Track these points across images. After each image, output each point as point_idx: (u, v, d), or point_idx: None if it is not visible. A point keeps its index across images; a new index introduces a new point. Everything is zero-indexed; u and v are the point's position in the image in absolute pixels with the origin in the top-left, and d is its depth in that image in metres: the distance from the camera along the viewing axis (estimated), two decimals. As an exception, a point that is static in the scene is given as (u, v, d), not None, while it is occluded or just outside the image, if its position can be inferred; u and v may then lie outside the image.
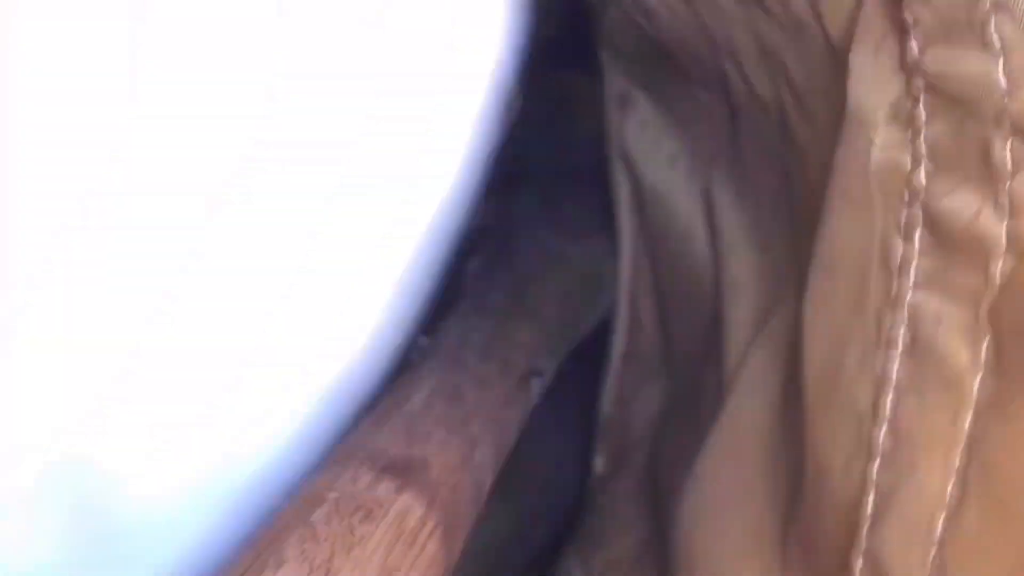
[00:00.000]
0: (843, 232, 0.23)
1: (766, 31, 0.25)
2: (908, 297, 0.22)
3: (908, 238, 0.22)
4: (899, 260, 0.22)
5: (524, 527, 0.36)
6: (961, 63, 0.19)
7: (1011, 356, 0.20)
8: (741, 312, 0.30)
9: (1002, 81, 0.19)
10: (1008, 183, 0.19)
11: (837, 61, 0.22)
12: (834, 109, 0.23)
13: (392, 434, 0.24)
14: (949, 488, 0.22)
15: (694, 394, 0.33)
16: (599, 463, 0.38)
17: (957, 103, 0.20)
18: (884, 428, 0.23)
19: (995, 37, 0.19)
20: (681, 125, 0.31)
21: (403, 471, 0.23)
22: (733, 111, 0.29)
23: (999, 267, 0.20)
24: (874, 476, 0.24)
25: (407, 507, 0.22)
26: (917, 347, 0.22)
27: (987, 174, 0.20)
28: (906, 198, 0.21)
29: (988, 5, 0.19)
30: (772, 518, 0.28)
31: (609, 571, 0.36)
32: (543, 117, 0.33)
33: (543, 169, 0.36)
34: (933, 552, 0.22)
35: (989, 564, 0.21)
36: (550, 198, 0.35)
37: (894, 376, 0.23)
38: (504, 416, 0.27)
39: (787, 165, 0.26)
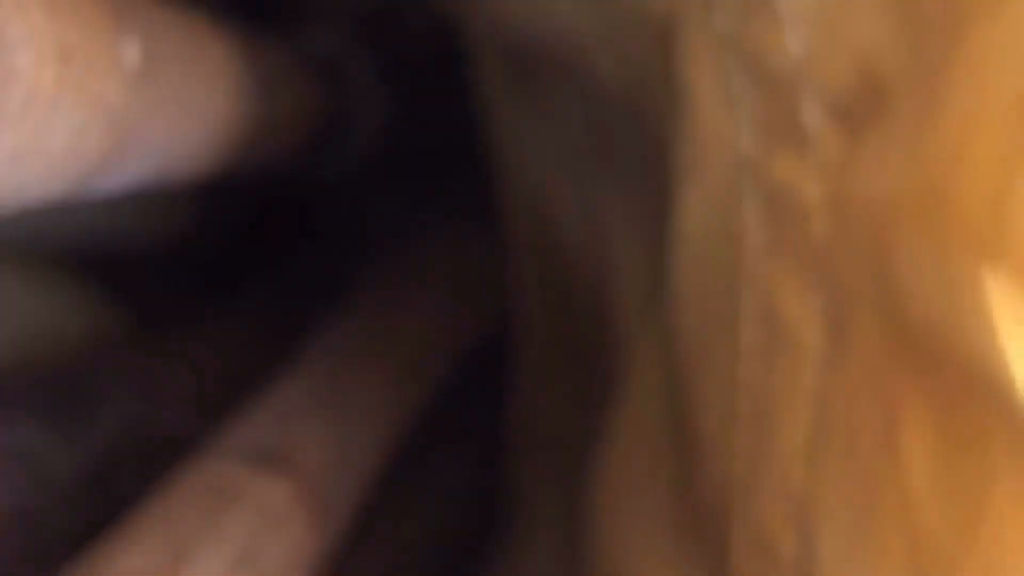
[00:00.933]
0: (691, 206, 0.24)
1: (600, 18, 0.26)
2: (750, 265, 0.23)
3: (743, 206, 0.22)
4: (739, 229, 0.23)
5: (440, 528, 0.37)
6: (761, 34, 0.20)
7: (839, 312, 0.21)
8: (627, 297, 0.30)
9: (796, 47, 0.20)
10: (817, 145, 0.20)
11: (666, 39, 0.23)
12: (671, 86, 0.23)
13: (266, 424, 0.24)
14: (802, 445, 0.22)
15: (594, 386, 0.33)
16: (513, 467, 0.39)
17: (765, 72, 0.20)
18: (742, 393, 0.24)
19: (783, 5, 0.19)
20: (546, 119, 0.32)
21: (272, 460, 0.23)
22: (592, 102, 0.29)
23: (819, 227, 0.21)
24: (740, 442, 0.24)
25: (272, 493, 0.23)
26: (762, 313, 0.23)
27: (799, 138, 0.20)
28: (735, 167, 0.22)
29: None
30: (673, 505, 0.29)
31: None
32: (417, 115, 0.34)
33: (420, 169, 0.36)
34: (797, 508, 0.23)
35: (847, 513, 0.22)
36: (436, 199, 0.36)
37: (746, 343, 0.23)
38: (385, 406, 0.27)
39: (645, 148, 0.27)
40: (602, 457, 0.32)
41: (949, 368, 0.18)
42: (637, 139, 0.27)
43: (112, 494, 0.26)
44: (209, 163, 0.23)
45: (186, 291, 0.33)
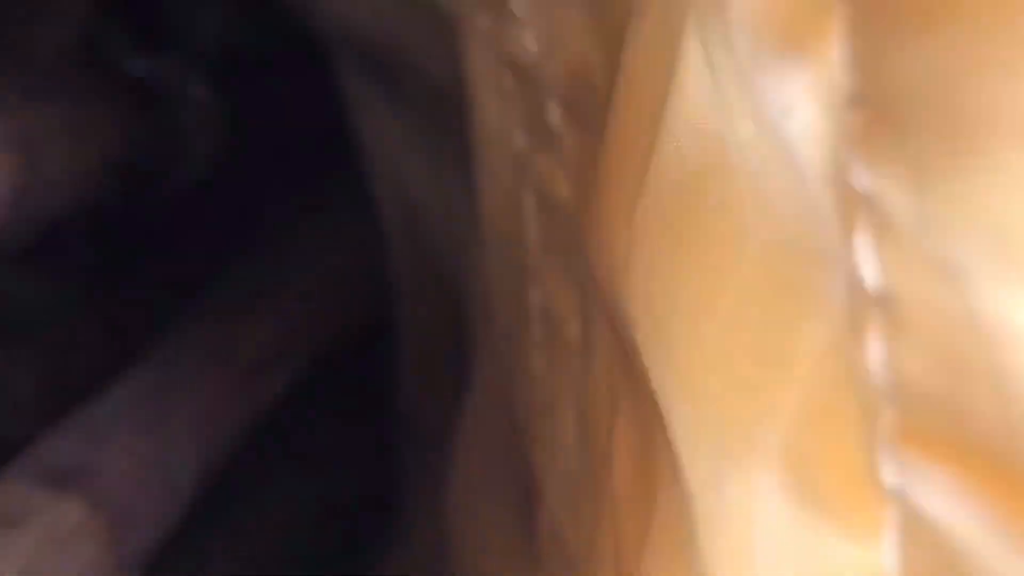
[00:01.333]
0: (485, 204, 0.24)
1: (412, 17, 0.26)
2: (532, 262, 0.23)
3: (524, 203, 0.22)
4: (522, 226, 0.22)
5: (316, 522, 0.37)
6: (508, 33, 0.20)
7: (588, 310, 0.21)
8: (473, 283, 0.30)
9: (532, 47, 0.19)
10: (561, 143, 0.20)
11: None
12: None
13: (67, 441, 0.24)
14: (573, 440, 0.22)
15: (462, 374, 0.33)
16: (399, 461, 0.39)
17: (518, 70, 0.20)
18: (536, 386, 0.24)
19: (515, 5, 0.19)
20: (401, 106, 0.32)
21: (66, 477, 0.23)
22: (432, 93, 0.29)
23: (570, 224, 0.20)
24: (539, 434, 0.24)
25: (61, 512, 0.23)
26: (543, 309, 0.23)
27: (548, 135, 0.20)
28: (513, 163, 0.22)
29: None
30: (516, 506, 0.29)
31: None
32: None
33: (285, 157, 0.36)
34: (574, 501, 0.23)
35: (590, 507, 0.21)
36: (306, 192, 0.36)
37: (533, 338, 0.23)
38: (218, 412, 0.27)
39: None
40: (453, 453, 0.32)
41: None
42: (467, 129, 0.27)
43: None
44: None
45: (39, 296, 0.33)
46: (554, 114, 0.20)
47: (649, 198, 0.15)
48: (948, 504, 0.11)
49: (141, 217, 0.34)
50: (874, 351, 0.12)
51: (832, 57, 0.12)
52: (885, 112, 0.11)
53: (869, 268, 0.12)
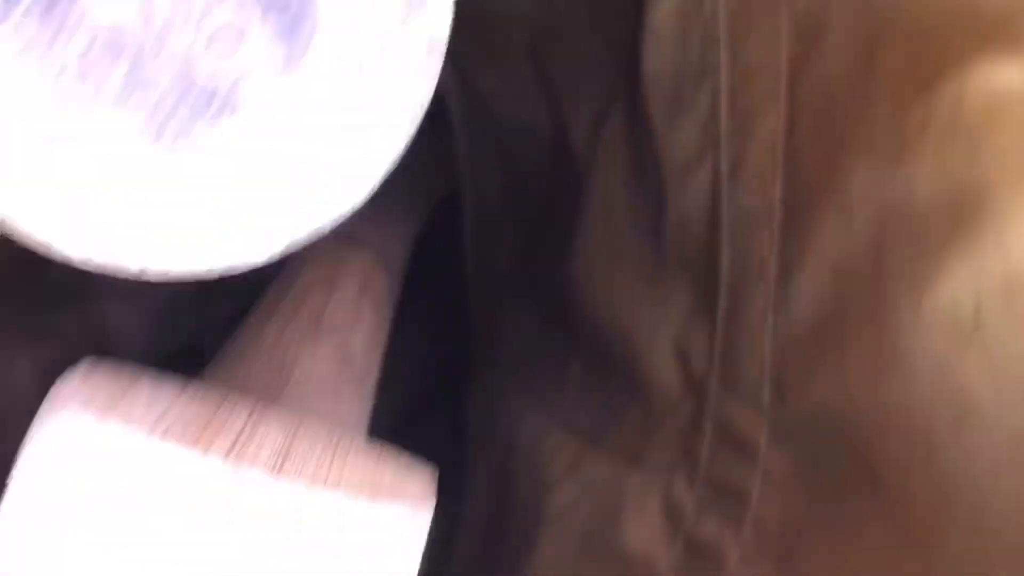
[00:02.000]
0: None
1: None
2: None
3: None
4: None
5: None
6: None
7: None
8: (582, 121, 0.37)
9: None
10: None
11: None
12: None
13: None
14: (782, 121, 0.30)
15: (549, 209, 0.40)
16: (476, 312, 0.47)
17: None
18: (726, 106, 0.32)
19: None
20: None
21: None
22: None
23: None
24: (722, 141, 0.32)
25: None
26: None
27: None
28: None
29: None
30: (644, 257, 0.36)
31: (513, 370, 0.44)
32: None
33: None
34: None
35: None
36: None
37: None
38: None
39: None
40: (574, 242, 0.38)
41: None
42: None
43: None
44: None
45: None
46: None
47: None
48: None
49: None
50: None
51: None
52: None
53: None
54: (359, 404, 0.32)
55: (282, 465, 0.25)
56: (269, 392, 0.30)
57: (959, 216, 0.21)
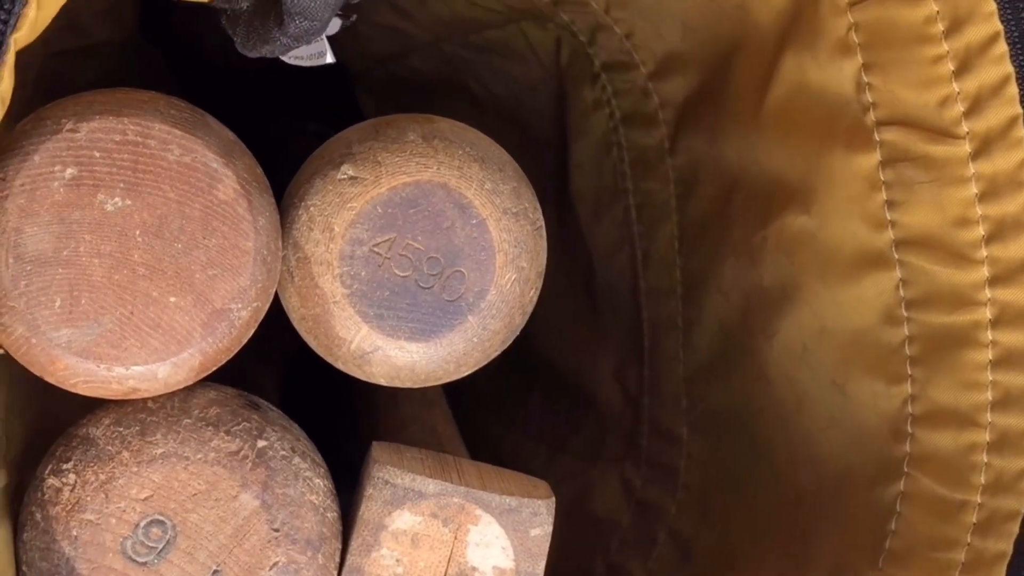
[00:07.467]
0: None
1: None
2: None
3: None
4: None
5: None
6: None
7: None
8: None
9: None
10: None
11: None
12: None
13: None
14: (675, 231, 0.47)
15: None
16: None
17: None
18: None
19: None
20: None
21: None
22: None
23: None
24: (635, 238, 0.49)
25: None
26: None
27: None
28: None
29: None
30: (583, 303, 0.52)
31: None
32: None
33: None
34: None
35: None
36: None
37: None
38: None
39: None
40: None
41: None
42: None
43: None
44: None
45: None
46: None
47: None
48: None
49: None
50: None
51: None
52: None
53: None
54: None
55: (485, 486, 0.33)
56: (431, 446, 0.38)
57: (787, 296, 0.37)
